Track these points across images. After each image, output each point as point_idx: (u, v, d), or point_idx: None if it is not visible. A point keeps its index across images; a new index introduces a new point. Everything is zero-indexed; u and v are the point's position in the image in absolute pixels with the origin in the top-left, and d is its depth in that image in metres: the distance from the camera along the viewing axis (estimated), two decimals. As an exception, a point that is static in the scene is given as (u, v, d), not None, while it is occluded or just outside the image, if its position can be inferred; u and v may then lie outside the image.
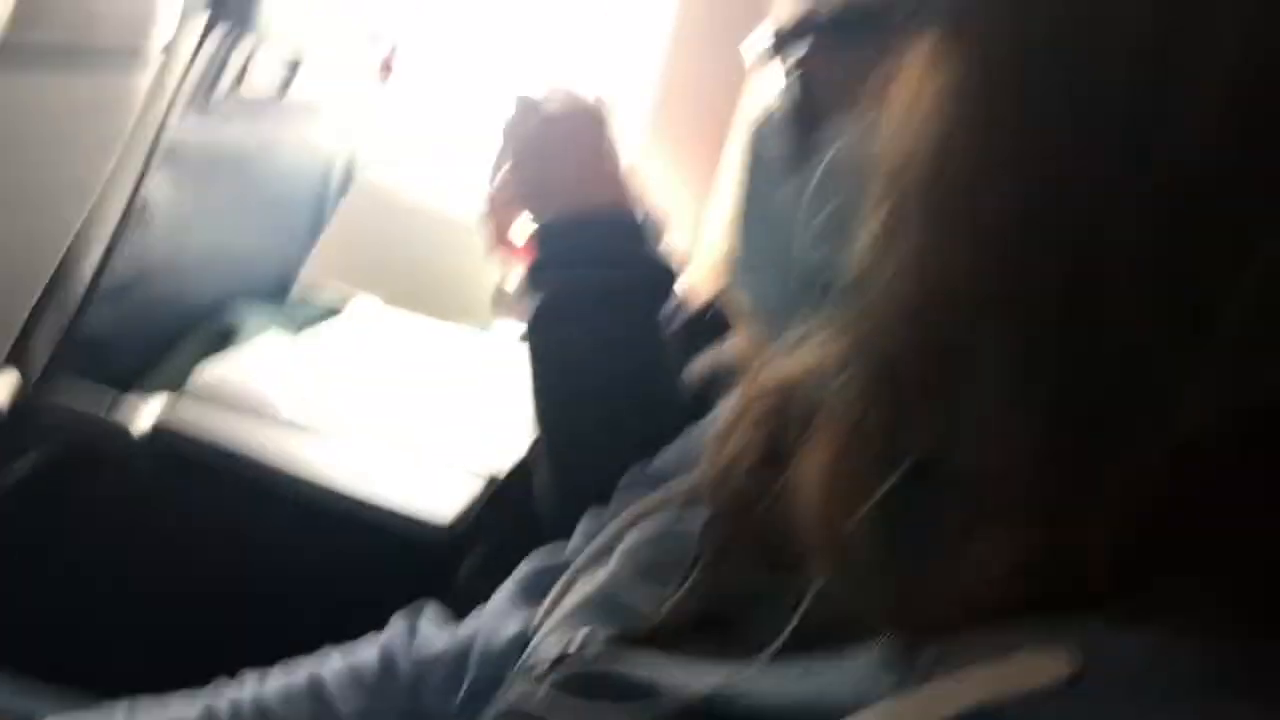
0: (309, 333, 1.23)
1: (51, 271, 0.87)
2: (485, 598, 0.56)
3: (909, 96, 0.31)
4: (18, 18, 0.66)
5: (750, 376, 0.44)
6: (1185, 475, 0.28)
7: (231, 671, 0.57)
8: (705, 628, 0.39)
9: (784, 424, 0.40)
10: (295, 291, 1.34)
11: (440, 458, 1.01)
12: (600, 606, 0.43)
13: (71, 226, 0.87)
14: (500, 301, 0.95)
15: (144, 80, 0.88)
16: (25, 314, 0.87)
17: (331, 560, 0.95)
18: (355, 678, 0.56)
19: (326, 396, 1.07)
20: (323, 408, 1.04)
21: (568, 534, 0.59)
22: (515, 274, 0.90)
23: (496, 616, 0.54)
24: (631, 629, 0.40)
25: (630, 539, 0.47)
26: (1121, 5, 0.28)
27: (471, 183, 1.53)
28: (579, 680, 0.39)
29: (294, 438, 0.99)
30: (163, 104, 0.92)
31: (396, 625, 0.58)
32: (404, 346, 1.26)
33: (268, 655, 0.58)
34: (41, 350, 0.91)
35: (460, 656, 0.54)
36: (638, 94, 1.45)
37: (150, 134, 0.92)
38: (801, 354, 0.34)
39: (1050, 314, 0.30)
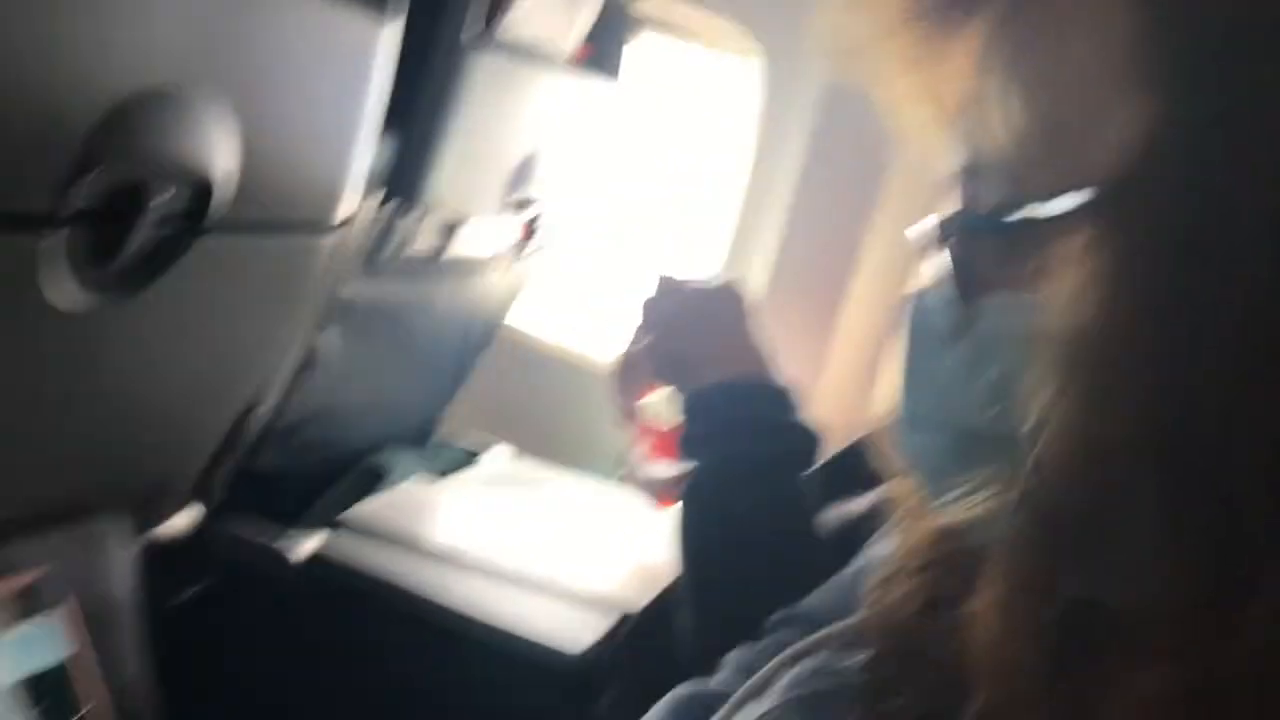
0: (451, 478, 1.31)
1: (235, 416, 0.95)
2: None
3: (1065, 281, 0.35)
4: (238, 195, 0.76)
5: (910, 527, 0.47)
6: None
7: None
8: None
9: (945, 571, 0.43)
10: (437, 438, 1.42)
11: (575, 594, 1.07)
12: None
13: (255, 376, 0.96)
14: (629, 475, 1.01)
15: (325, 247, 0.98)
16: (210, 454, 0.95)
17: (470, 686, 1.00)
18: None
19: (470, 535, 1.13)
20: (466, 544, 1.10)
21: (705, 670, 0.62)
22: (642, 453, 0.95)
23: None
24: None
25: (789, 676, 0.50)
26: (1247, 208, 0.33)
27: (609, 335, 1.60)
28: None
29: (438, 570, 1.07)
30: (339, 268, 1.01)
31: None
32: (539, 492, 1.33)
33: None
34: (219, 486, 0.99)
35: None
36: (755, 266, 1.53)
37: (326, 295, 1.02)
38: (964, 507, 0.38)
39: (1199, 464, 0.33)
